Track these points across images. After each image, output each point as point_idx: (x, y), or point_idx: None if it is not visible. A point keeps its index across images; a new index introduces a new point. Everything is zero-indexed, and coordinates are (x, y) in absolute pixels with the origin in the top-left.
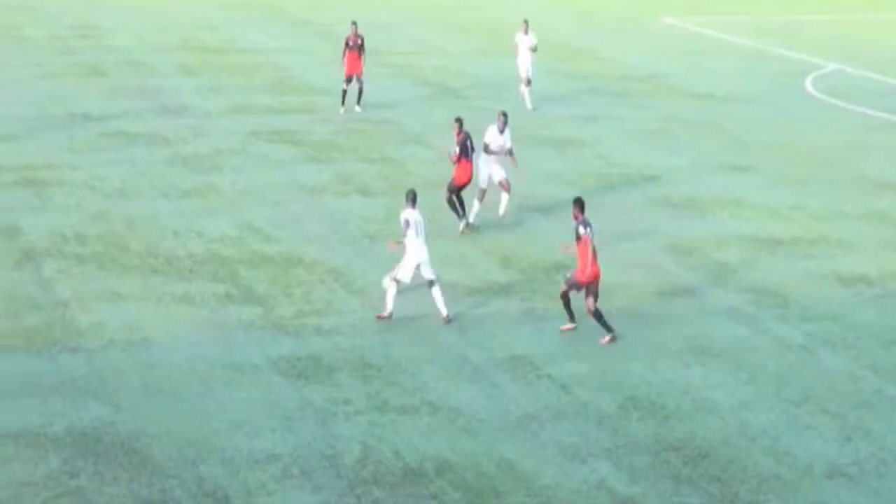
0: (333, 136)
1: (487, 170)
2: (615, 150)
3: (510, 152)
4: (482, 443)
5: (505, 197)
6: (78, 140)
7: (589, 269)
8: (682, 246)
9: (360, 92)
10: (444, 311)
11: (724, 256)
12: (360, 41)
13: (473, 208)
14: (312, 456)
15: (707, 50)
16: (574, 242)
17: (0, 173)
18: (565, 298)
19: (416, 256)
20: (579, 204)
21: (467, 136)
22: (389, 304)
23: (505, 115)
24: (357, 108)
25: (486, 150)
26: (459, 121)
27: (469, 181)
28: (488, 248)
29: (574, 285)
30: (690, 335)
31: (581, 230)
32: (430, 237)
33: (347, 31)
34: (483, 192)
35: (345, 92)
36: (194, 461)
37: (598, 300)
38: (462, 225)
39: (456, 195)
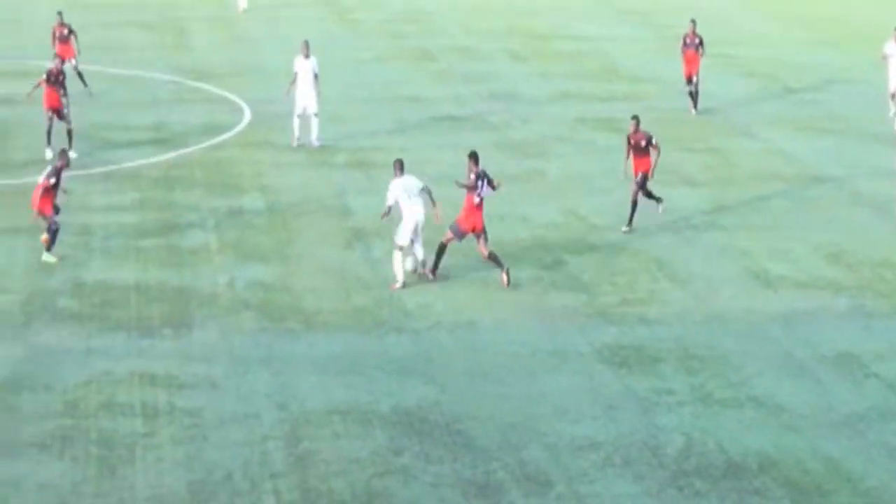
0: (657, 125)
1: None
2: None
3: None
4: (807, 440)
5: None
6: (407, 123)
7: (472, 218)
8: None
9: (697, 93)
10: (420, 256)
11: None
12: (697, 40)
13: None
14: (634, 445)
15: None
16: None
17: (332, 154)
18: (441, 248)
19: (413, 218)
20: (474, 157)
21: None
22: (399, 274)
23: None
24: (693, 112)
25: None
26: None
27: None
28: (816, 243)
29: (457, 232)
30: None
31: (472, 181)
32: (758, 231)
33: (685, 28)
34: None
35: (690, 94)
36: (517, 445)
37: (489, 243)
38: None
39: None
